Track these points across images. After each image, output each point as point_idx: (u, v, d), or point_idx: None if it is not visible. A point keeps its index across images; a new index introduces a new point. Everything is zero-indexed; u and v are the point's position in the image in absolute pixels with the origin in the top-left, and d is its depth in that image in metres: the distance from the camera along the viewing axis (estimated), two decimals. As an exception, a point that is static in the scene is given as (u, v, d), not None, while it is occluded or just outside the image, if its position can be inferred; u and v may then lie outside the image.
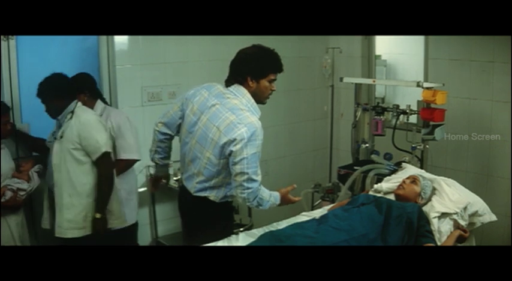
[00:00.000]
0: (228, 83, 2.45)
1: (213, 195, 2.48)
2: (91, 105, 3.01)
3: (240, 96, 2.39)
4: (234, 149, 2.29)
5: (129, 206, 3.24)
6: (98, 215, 2.73)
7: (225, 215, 2.59)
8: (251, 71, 2.39)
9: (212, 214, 2.52)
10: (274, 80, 2.45)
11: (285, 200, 2.48)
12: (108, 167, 2.80)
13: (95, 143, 2.71)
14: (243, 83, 2.41)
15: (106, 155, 2.74)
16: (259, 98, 2.45)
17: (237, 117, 2.33)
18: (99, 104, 3.11)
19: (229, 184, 2.43)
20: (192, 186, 2.51)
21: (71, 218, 2.71)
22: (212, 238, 2.43)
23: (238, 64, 2.43)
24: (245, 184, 2.30)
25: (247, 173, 2.29)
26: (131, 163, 3.19)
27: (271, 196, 2.41)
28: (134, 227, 3.36)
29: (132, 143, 3.13)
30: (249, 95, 2.40)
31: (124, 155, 3.11)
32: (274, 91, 2.47)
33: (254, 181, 2.31)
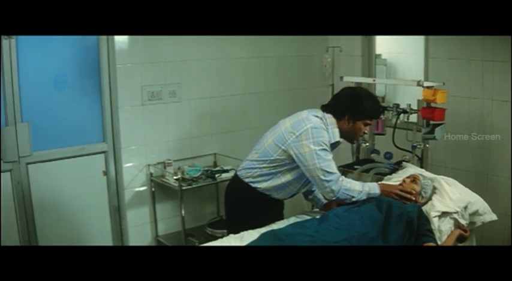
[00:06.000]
0: (325, 109, 2.51)
1: (245, 173, 2.54)
2: None
3: (325, 119, 2.46)
4: (300, 144, 2.37)
5: None
6: None
7: (247, 200, 2.58)
8: (350, 111, 2.46)
9: (238, 193, 2.60)
10: (370, 124, 2.53)
11: (386, 191, 2.47)
12: None
13: None
14: (339, 119, 2.48)
15: None
16: (351, 137, 2.55)
17: (308, 114, 2.45)
18: None
19: (268, 177, 2.49)
20: (243, 165, 2.59)
21: None
22: (238, 219, 2.59)
23: (340, 100, 2.51)
24: (323, 177, 2.36)
25: (321, 166, 2.35)
26: None
27: (364, 186, 2.44)
28: None
29: None
30: (333, 124, 2.46)
31: None
32: (366, 133, 2.59)
33: (330, 173, 2.37)
